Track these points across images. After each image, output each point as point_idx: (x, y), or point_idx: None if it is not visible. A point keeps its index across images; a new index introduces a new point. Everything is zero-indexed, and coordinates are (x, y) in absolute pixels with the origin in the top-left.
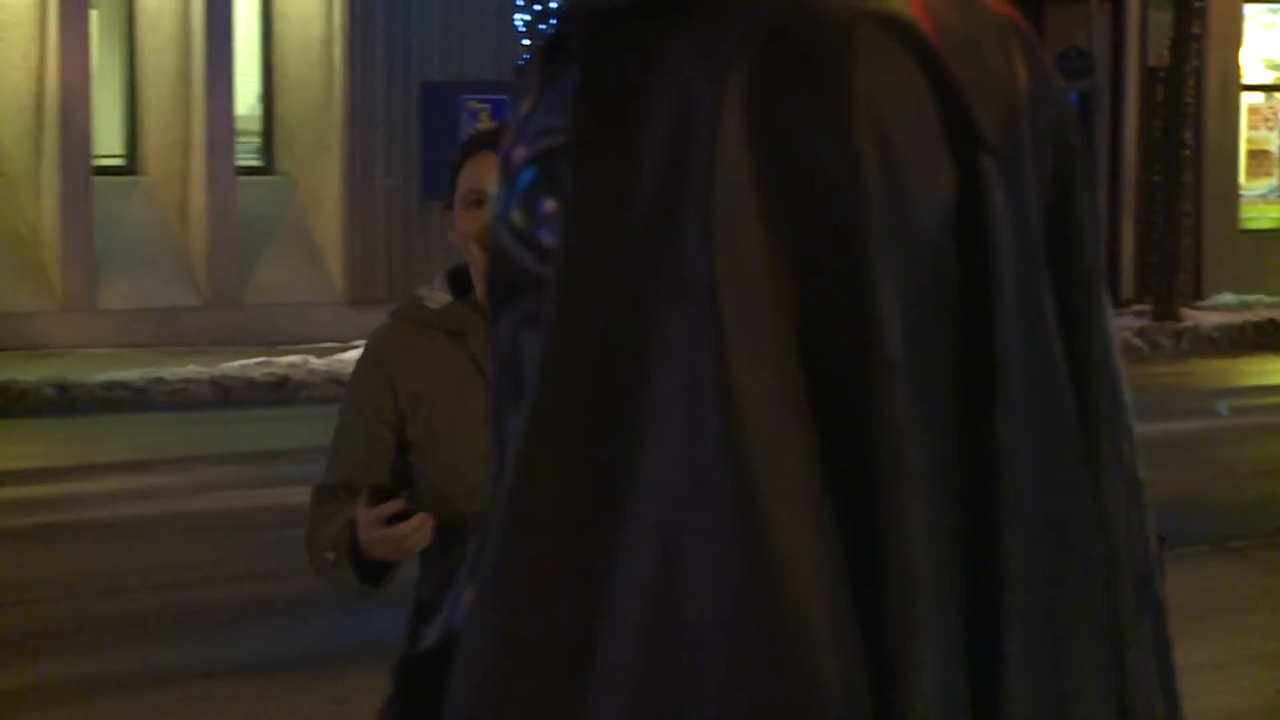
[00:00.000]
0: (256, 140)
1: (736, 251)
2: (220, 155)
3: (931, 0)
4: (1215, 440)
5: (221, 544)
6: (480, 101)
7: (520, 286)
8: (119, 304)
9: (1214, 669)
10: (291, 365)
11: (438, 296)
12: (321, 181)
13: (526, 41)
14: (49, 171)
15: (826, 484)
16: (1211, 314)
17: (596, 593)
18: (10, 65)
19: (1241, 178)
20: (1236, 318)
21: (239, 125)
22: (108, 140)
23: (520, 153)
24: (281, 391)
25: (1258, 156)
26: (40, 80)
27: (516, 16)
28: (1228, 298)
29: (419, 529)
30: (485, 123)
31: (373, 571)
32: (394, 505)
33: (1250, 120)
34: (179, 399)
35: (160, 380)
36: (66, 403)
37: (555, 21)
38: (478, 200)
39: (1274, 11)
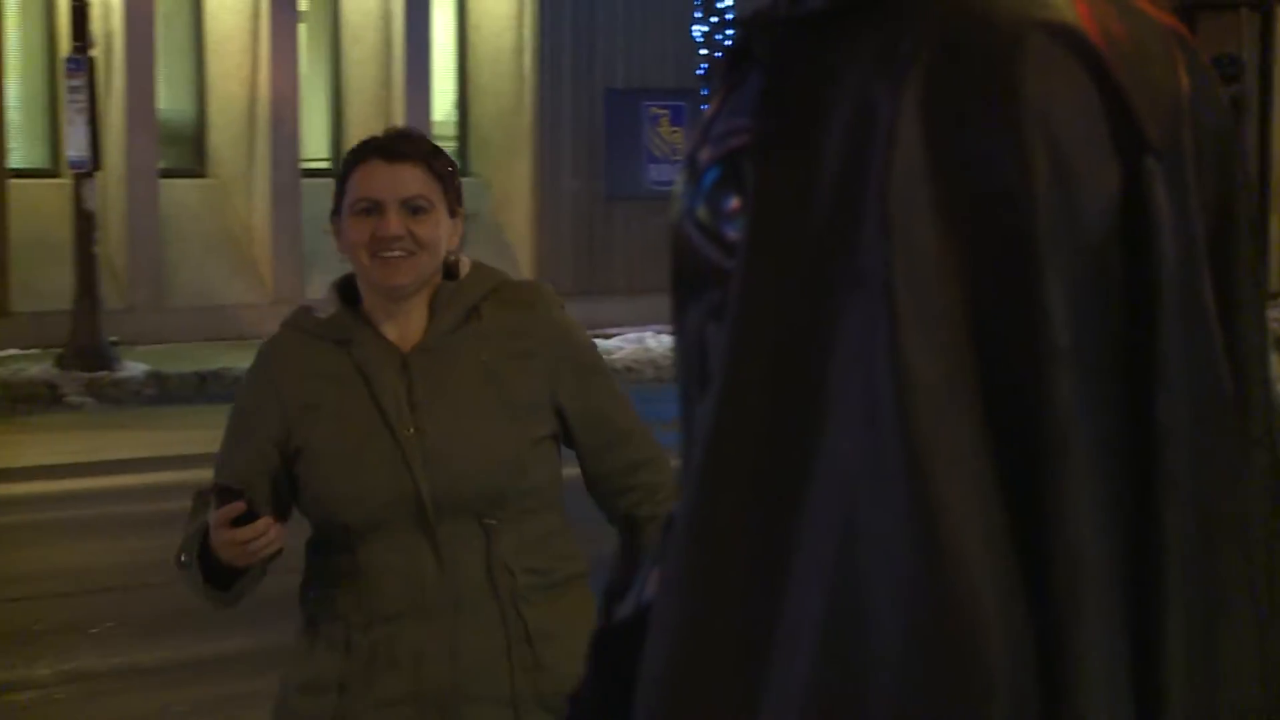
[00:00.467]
0: (452, 144)
1: (911, 247)
2: None
3: (1099, 10)
4: None
5: None
6: (660, 107)
7: (705, 280)
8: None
9: None
10: None
11: (326, 306)
12: (512, 182)
13: (704, 51)
14: (261, 174)
15: (995, 465)
16: None
17: (778, 572)
18: (225, 76)
19: None
20: None
21: (436, 130)
22: (315, 144)
23: (705, 154)
24: None
25: None
26: (253, 89)
27: (694, 27)
28: None
29: (262, 534)
30: (665, 127)
31: (224, 578)
32: (235, 508)
33: None
34: None
35: None
36: None
37: (736, 31)
38: (366, 209)
39: None
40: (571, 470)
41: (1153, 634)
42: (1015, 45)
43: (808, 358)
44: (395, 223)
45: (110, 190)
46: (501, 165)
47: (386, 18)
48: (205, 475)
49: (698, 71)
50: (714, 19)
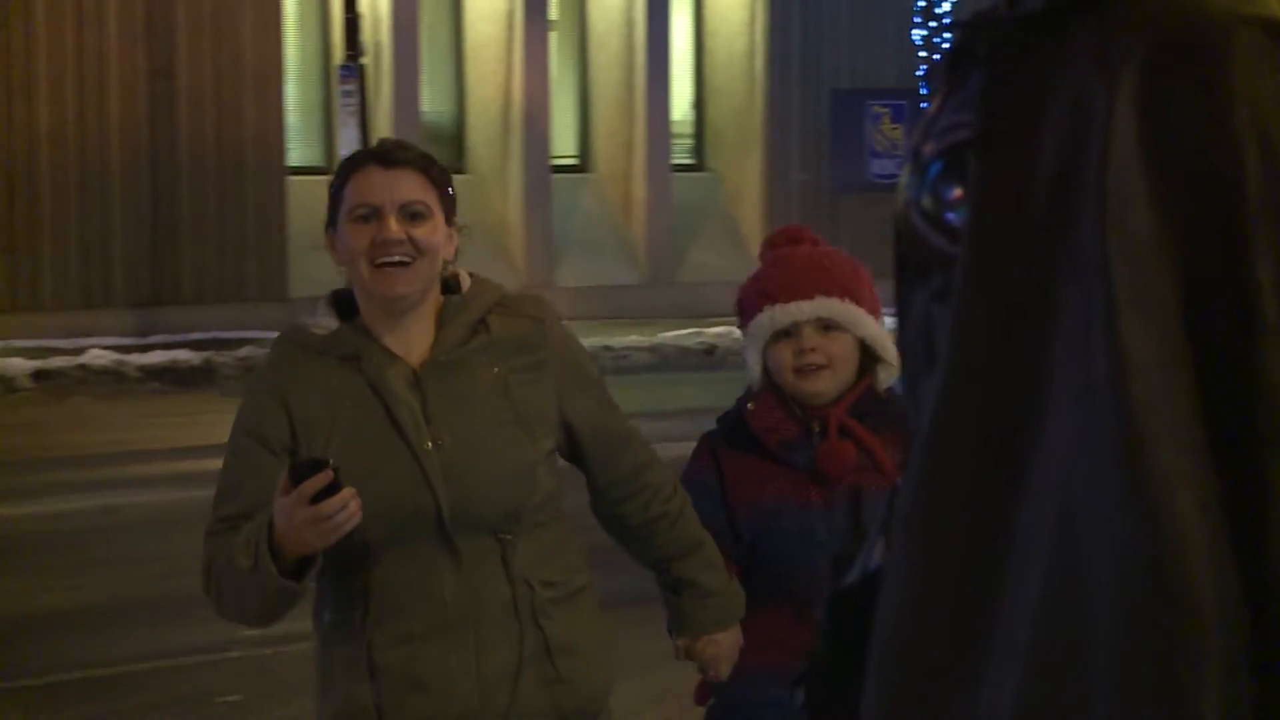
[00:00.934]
0: (689, 141)
1: (1127, 232)
2: (658, 154)
3: None
4: None
5: None
6: (882, 105)
7: (931, 264)
8: (573, 282)
9: None
10: (719, 335)
11: (324, 322)
12: (744, 176)
13: (923, 53)
14: (514, 170)
15: (1206, 433)
16: None
17: (1000, 536)
18: (481, 81)
19: None
20: None
21: (674, 129)
22: (563, 143)
23: (929, 148)
24: (710, 358)
25: None
26: (507, 93)
27: (914, 31)
28: None
29: (346, 505)
30: (886, 124)
31: (290, 575)
32: (324, 477)
33: None
34: (622, 364)
35: (607, 348)
36: None
37: (957, 33)
38: (365, 215)
39: None
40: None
41: None
42: (1226, 39)
43: (1027, 337)
44: (395, 227)
45: None
46: (734, 161)
47: (629, 25)
48: None
49: (917, 73)
50: (933, 23)
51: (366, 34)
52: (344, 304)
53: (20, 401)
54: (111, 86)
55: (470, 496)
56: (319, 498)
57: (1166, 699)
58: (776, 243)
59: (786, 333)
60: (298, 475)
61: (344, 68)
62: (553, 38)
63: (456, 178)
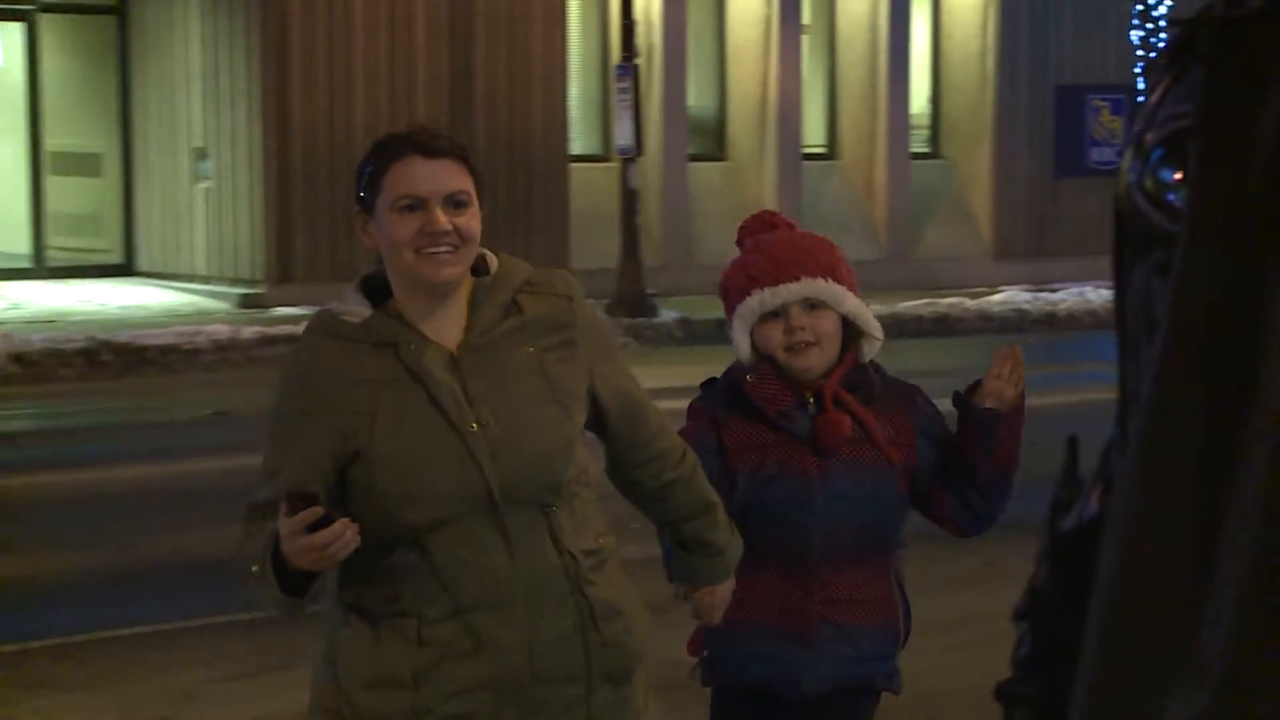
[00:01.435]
0: (926, 132)
1: None
2: (899, 143)
3: None
4: None
5: None
6: (1101, 99)
7: (1152, 241)
8: None
9: None
10: (950, 305)
11: (354, 309)
12: (975, 164)
13: (1140, 51)
14: (769, 158)
15: None
16: None
17: (1217, 486)
18: (742, 79)
19: None
20: None
21: (913, 120)
22: (813, 133)
23: (1151, 136)
24: (943, 325)
25: None
26: (763, 89)
27: (1132, 32)
28: None
29: (340, 536)
30: (1105, 116)
31: (297, 584)
32: (312, 512)
33: None
34: None
35: None
36: None
37: (1178, 29)
38: (410, 205)
39: None
40: None
41: None
42: None
43: (1242, 311)
44: (442, 219)
45: (649, 172)
46: (966, 150)
47: (874, 29)
48: None
49: (1135, 69)
50: (1149, 25)
51: (640, 37)
52: (375, 289)
53: None
54: (419, 86)
55: (518, 474)
56: (316, 526)
57: None
58: (754, 229)
59: (775, 314)
60: (294, 504)
61: (620, 67)
62: (805, 40)
63: (718, 165)
